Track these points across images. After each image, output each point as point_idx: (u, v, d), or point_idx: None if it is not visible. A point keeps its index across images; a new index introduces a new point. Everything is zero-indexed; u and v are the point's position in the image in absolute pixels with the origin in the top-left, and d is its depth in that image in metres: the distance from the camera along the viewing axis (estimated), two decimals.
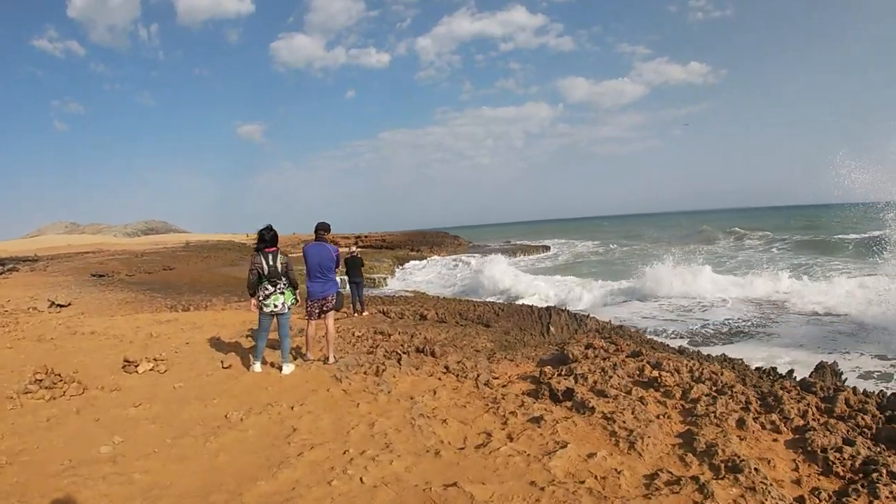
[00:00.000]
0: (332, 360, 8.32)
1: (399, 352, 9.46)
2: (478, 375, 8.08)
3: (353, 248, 14.77)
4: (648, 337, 15.71)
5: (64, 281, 26.61)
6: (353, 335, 11.51)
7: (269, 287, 7.58)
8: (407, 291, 30.31)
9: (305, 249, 8.30)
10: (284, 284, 7.70)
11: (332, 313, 8.38)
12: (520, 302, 22.58)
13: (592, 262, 47.63)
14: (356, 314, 14.70)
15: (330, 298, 8.30)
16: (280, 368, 7.91)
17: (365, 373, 8.05)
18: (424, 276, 42.12)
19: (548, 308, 18.06)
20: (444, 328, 13.54)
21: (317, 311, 8.29)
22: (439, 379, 8.14)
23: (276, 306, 7.66)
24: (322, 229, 8.34)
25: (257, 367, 7.87)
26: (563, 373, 7.97)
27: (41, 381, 6.64)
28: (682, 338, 18.20)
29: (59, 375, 6.94)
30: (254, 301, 7.71)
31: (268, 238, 7.55)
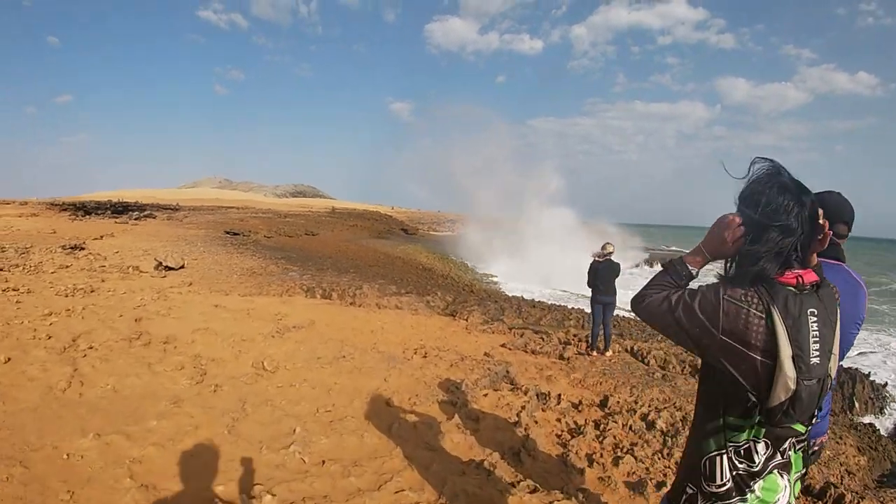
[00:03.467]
0: None
1: None
2: None
3: (608, 248, 8.58)
4: None
5: (193, 235, 23.53)
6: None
7: None
8: (575, 293, 23.78)
9: None
10: None
11: None
12: None
13: None
14: (594, 352, 8.65)
15: None
16: None
17: None
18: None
19: (847, 369, 11.09)
20: None
21: None
22: None
23: None
24: None
25: None
26: None
27: None
28: None
29: None
30: None
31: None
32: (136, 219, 30.60)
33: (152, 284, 11.40)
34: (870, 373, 11.34)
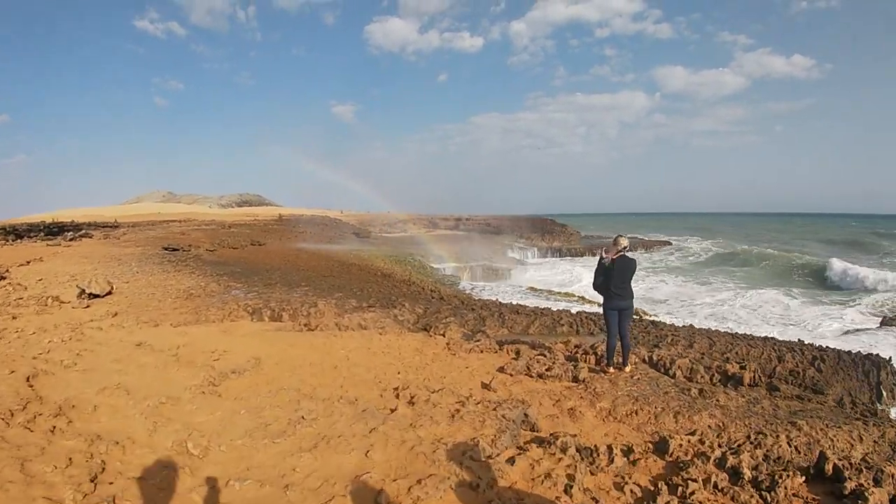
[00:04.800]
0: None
1: None
2: None
3: (621, 242, 7.00)
4: None
5: (128, 254, 21.17)
6: None
7: None
8: (548, 291, 22.49)
9: None
10: None
11: None
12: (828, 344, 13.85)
13: (745, 266, 37.19)
14: (611, 368, 7.14)
15: None
16: None
17: None
18: (552, 270, 33.91)
19: (868, 356, 10.08)
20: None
21: None
22: None
23: None
24: None
25: None
26: None
27: None
28: None
29: None
30: None
31: None
32: (70, 239, 28.31)
33: (70, 318, 9.68)
34: (890, 357, 10.28)
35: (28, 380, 5.60)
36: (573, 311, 12.83)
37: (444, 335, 9.35)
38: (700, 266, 38.52)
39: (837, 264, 30.46)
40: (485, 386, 6.17)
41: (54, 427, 4.53)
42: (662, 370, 7.75)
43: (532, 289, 23.58)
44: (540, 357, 7.38)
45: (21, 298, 11.56)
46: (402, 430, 4.49)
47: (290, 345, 7.69)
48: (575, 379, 6.71)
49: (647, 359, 8.01)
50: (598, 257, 7.26)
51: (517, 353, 7.71)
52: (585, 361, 7.70)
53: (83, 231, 32.57)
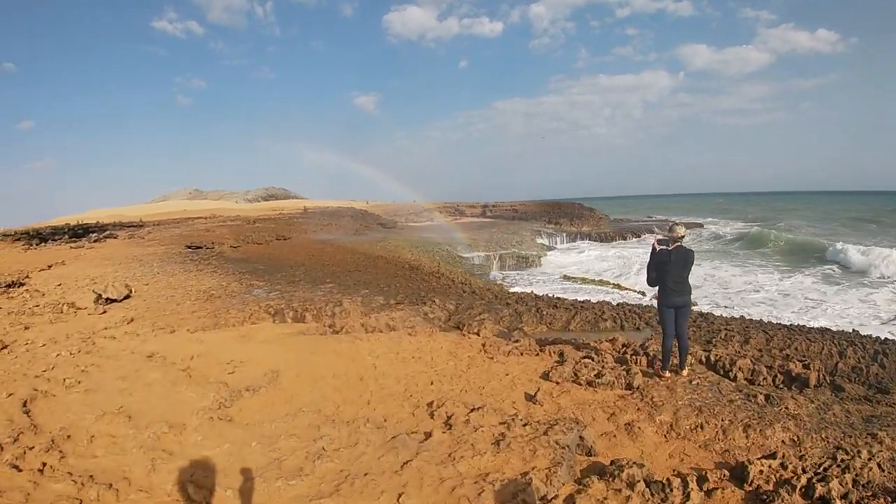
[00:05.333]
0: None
1: None
2: None
3: (678, 231, 6.15)
4: None
5: (150, 254, 20.87)
6: None
7: None
8: (583, 279, 21.59)
9: None
10: None
11: None
12: None
13: (775, 248, 35.40)
14: (667, 373, 6.36)
15: None
16: None
17: None
18: (582, 256, 32.88)
19: None
20: None
21: None
22: None
23: None
24: None
25: None
26: None
27: None
28: None
29: None
30: None
31: None
32: (94, 241, 28.17)
33: (84, 327, 9.39)
34: None
35: (25, 404, 5.09)
36: (614, 302, 12.02)
37: (478, 334, 8.67)
38: (730, 248, 37.02)
39: (857, 249, 28.04)
40: (529, 398, 5.46)
41: (44, 465, 3.98)
42: (722, 372, 6.94)
43: (565, 277, 22.73)
44: (587, 360, 6.63)
45: (38, 306, 11.26)
46: (440, 464, 3.82)
47: (312, 352, 7.08)
48: (629, 386, 5.96)
49: (703, 359, 7.21)
50: (650, 248, 6.46)
51: (561, 355, 6.97)
52: (637, 364, 6.93)
53: (108, 232, 32.51)
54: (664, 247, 6.22)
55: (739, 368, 7.08)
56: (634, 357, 7.11)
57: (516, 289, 19.83)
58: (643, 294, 17.86)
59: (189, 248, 23.92)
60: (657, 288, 6.44)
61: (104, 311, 10.90)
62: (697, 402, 5.57)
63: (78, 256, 21.12)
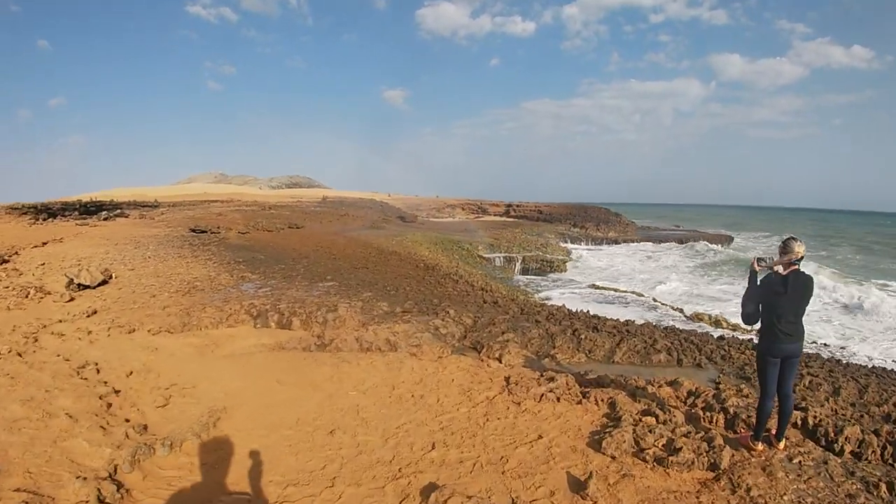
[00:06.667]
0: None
1: None
2: None
3: (796, 249, 4.26)
4: None
5: (151, 235, 19.61)
6: None
7: None
8: (615, 289, 19.63)
9: None
10: None
11: None
12: None
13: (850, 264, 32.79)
14: (759, 444, 4.46)
15: None
16: None
17: None
18: (610, 262, 30.81)
19: None
20: None
21: None
22: None
23: None
24: None
25: None
26: None
27: None
28: None
29: None
30: None
31: None
32: (104, 219, 27.21)
33: (38, 317, 8.27)
34: None
35: None
36: (652, 320, 10.17)
37: (500, 360, 6.91)
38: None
39: None
40: (577, 487, 3.68)
41: None
42: (824, 442, 5.07)
43: (594, 286, 20.81)
44: (649, 419, 4.83)
45: (7, 287, 10.03)
46: None
47: (281, 380, 5.37)
48: (713, 466, 4.16)
49: (798, 421, 5.33)
50: (748, 269, 4.63)
51: (612, 406, 5.17)
52: (715, 424, 5.12)
53: (119, 210, 31.51)
54: (771, 268, 4.40)
55: (847, 438, 5.20)
56: (708, 414, 5.28)
57: (542, 295, 18.02)
58: (681, 311, 15.94)
59: (193, 231, 22.55)
60: (756, 327, 4.62)
61: (71, 299, 9.75)
62: (808, 499, 3.80)
63: (78, 234, 20.07)
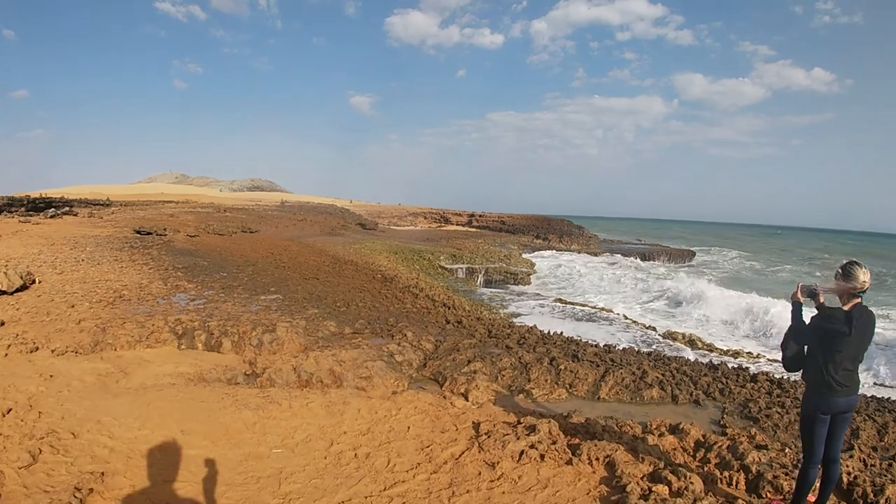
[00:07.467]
0: None
1: None
2: None
3: (860, 276, 3.26)
4: None
5: (93, 237, 18.19)
6: None
7: None
8: (582, 304, 18.78)
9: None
10: None
11: None
12: None
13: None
14: None
15: None
16: None
17: None
18: (573, 274, 30.04)
19: None
20: None
21: None
22: None
23: None
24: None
25: None
26: None
27: None
28: None
29: None
30: None
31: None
32: (51, 216, 25.54)
33: None
34: None
35: None
36: (644, 350, 9.21)
37: (466, 397, 5.79)
38: (732, 283, 34.33)
39: None
40: None
41: None
42: None
43: (560, 300, 19.88)
44: (660, 488, 3.77)
45: None
46: None
47: (187, 430, 4.11)
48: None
49: (843, 484, 4.36)
50: (791, 300, 3.63)
51: (610, 467, 4.10)
52: (732, 484, 4.11)
53: (67, 208, 29.52)
54: (814, 298, 3.43)
55: (888, 500, 4.26)
56: (727, 473, 4.26)
57: (508, 310, 16.98)
58: (653, 329, 15.10)
59: (138, 232, 20.91)
60: (799, 374, 3.64)
61: None
62: None
63: (17, 231, 18.59)
